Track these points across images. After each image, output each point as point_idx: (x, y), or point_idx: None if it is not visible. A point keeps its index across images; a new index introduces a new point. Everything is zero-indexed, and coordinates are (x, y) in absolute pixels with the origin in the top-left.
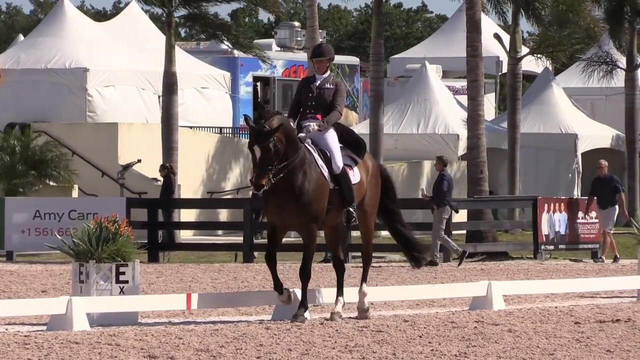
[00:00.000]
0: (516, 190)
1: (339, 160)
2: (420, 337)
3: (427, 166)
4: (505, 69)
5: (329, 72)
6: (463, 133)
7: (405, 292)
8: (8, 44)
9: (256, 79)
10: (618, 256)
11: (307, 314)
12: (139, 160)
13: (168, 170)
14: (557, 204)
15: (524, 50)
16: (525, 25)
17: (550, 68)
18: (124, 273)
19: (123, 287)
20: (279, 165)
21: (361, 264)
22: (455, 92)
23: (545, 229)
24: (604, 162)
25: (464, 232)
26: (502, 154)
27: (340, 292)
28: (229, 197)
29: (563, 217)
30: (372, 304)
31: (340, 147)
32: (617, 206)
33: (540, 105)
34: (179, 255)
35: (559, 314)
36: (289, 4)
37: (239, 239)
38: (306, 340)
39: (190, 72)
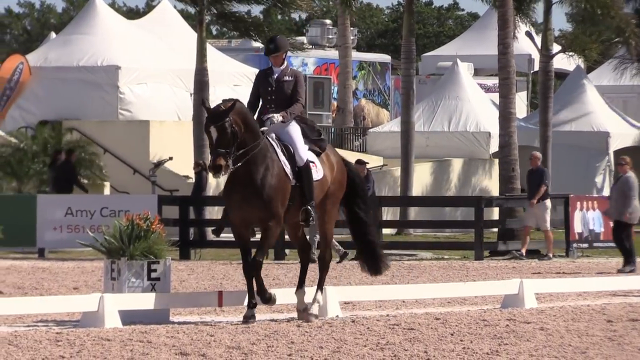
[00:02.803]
0: (548, 188)
1: (302, 153)
2: (452, 335)
3: (457, 164)
4: (537, 67)
5: (285, 63)
6: (495, 131)
7: (437, 290)
8: (40, 41)
9: None
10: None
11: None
12: (171, 158)
13: (202, 167)
14: (589, 202)
15: (556, 48)
16: (557, 23)
17: (582, 66)
18: (155, 270)
19: (154, 284)
20: (237, 152)
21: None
22: (487, 89)
23: (578, 227)
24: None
25: (496, 230)
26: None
27: (319, 287)
28: None
29: (597, 215)
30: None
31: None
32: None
33: (572, 103)
34: (210, 252)
35: (591, 312)
36: (321, 2)
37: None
38: (337, 338)
39: (221, 70)
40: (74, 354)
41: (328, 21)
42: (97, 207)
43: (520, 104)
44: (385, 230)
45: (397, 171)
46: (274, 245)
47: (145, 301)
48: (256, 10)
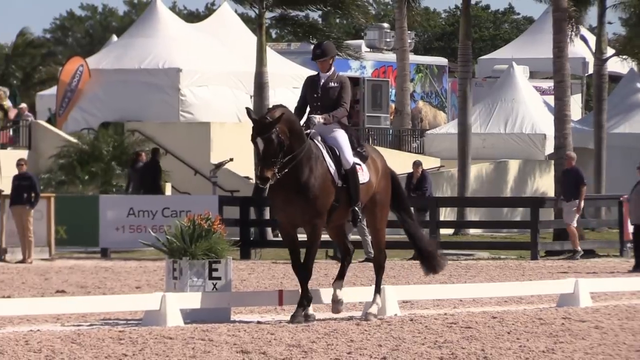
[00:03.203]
0: (602, 189)
1: (349, 156)
2: (509, 333)
3: (513, 166)
4: (591, 70)
5: (332, 69)
6: (550, 133)
7: (494, 289)
8: (102, 44)
9: None
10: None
11: (311, 311)
12: (231, 159)
13: None
14: None
15: (610, 51)
16: (611, 27)
17: (635, 69)
18: (216, 270)
19: (216, 283)
20: (283, 159)
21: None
22: (542, 92)
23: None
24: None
25: (551, 230)
26: (589, 153)
27: (377, 290)
28: None
29: None
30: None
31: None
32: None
33: (626, 105)
34: (271, 252)
35: None
36: (379, 5)
37: (327, 236)
38: (396, 336)
39: (281, 72)
40: (137, 352)
41: (386, 25)
42: (158, 207)
43: (575, 106)
44: (443, 231)
45: (454, 172)
46: (318, 244)
47: (207, 300)
48: (315, 14)
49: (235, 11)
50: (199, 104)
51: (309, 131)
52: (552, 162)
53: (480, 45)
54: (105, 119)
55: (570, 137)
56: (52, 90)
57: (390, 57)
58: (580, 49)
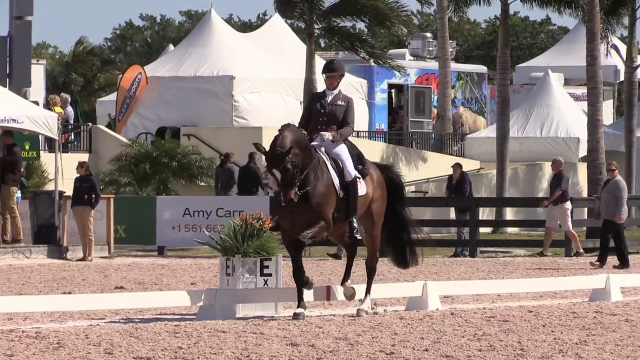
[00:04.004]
0: (632, 190)
1: (351, 168)
2: (544, 326)
3: (548, 168)
4: (622, 77)
5: (338, 88)
6: (583, 137)
7: (530, 285)
8: (159, 53)
9: (391, 86)
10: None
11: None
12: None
13: None
14: None
15: None
16: None
17: None
18: (267, 267)
19: (267, 280)
20: (300, 176)
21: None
22: (576, 98)
23: None
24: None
25: (584, 228)
26: (620, 156)
27: (367, 291)
28: None
29: None
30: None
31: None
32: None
33: None
34: (319, 250)
35: None
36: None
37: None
38: (437, 330)
39: None
40: (191, 345)
41: (429, 34)
42: (213, 207)
43: (607, 111)
44: (482, 229)
45: (493, 174)
46: (318, 238)
47: (258, 296)
48: (361, 24)
49: (286, 21)
50: (252, 109)
51: (314, 143)
52: (585, 164)
53: (517, 53)
54: (162, 124)
55: (602, 141)
56: (112, 96)
57: (433, 65)
58: (612, 57)
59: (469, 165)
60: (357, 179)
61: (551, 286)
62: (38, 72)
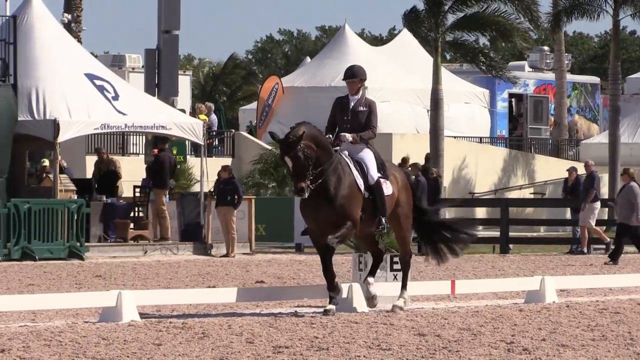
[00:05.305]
0: None
1: (373, 171)
2: None
3: None
4: None
5: (360, 92)
6: None
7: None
8: (297, 65)
9: (511, 95)
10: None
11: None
12: (409, 167)
13: (437, 173)
14: None
15: None
16: None
17: None
18: (396, 262)
19: (396, 274)
20: (314, 170)
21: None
22: None
23: None
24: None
25: None
26: None
27: (403, 286)
28: (488, 197)
29: None
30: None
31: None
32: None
33: None
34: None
35: None
36: (540, 32)
37: (496, 233)
38: (554, 321)
39: (454, 90)
40: (327, 334)
41: (546, 48)
42: None
43: None
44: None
45: (605, 177)
46: (348, 237)
47: (388, 289)
48: (484, 38)
49: (414, 35)
50: (382, 117)
51: (337, 148)
52: None
53: (628, 65)
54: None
55: None
56: (253, 105)
57: (550, 76)
58: None
59: (583, 169)
60: (382, 180)
61: None
62: (185, 83)
